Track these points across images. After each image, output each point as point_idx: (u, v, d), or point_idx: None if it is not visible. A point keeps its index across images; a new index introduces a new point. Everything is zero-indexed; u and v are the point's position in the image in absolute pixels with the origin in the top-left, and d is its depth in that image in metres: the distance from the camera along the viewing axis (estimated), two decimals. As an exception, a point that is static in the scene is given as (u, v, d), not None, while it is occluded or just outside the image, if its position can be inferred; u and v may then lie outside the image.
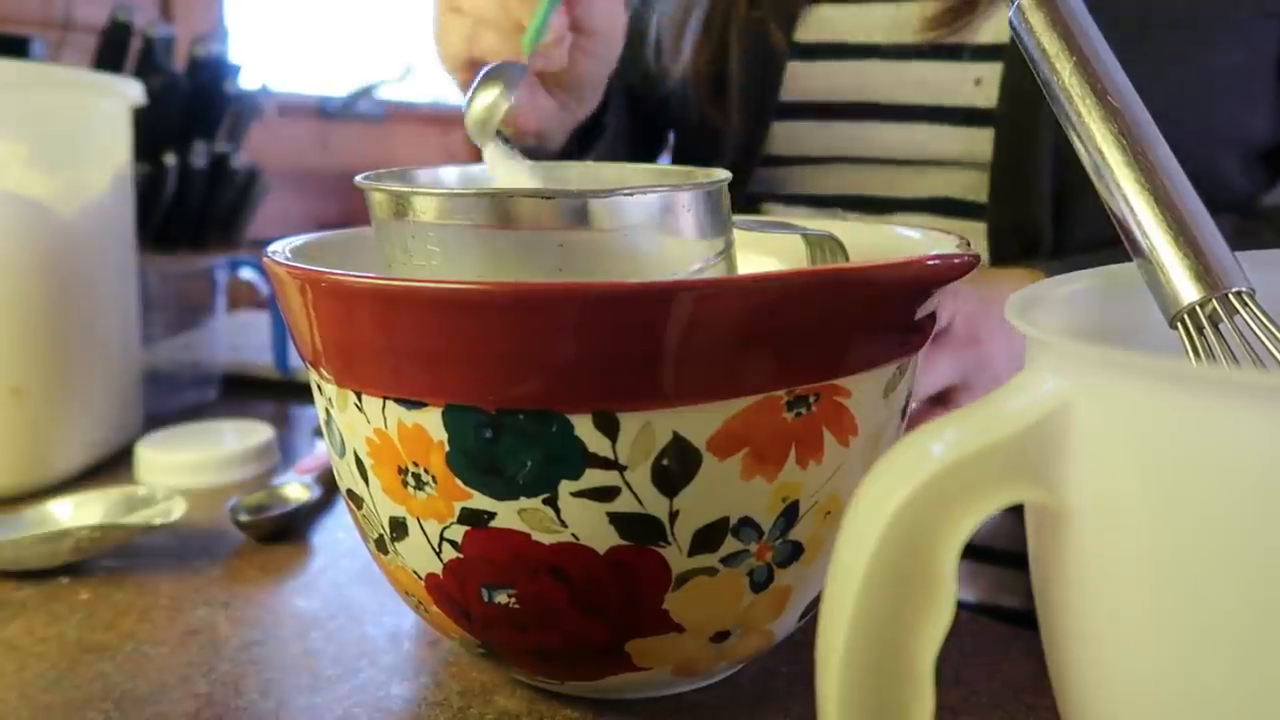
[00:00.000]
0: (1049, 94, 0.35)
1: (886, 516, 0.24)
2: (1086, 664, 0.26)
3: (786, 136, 0.73)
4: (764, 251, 0.53)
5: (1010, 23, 0.36)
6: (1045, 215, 0.64)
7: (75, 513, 0.61)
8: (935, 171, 0.68)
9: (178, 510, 0.60)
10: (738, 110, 0.73)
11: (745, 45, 0.72)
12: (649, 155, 0.87)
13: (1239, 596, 0.21)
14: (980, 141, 0.65)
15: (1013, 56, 0.63)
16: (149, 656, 0.49)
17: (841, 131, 0.70)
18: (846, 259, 0.49)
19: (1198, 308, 0.31)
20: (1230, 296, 0.31)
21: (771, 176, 0.75)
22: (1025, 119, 0.63)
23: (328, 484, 0.69)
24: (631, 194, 0.39)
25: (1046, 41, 0.35)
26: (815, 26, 0.71)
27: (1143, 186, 0.32)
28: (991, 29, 0.65)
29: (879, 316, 0.37)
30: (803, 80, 0.71)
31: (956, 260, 0.38)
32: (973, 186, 0.67)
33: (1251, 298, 0.31)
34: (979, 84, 0.65)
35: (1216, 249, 0.31)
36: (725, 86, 0.74)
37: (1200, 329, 0.31)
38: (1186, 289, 0.31)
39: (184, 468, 0.73)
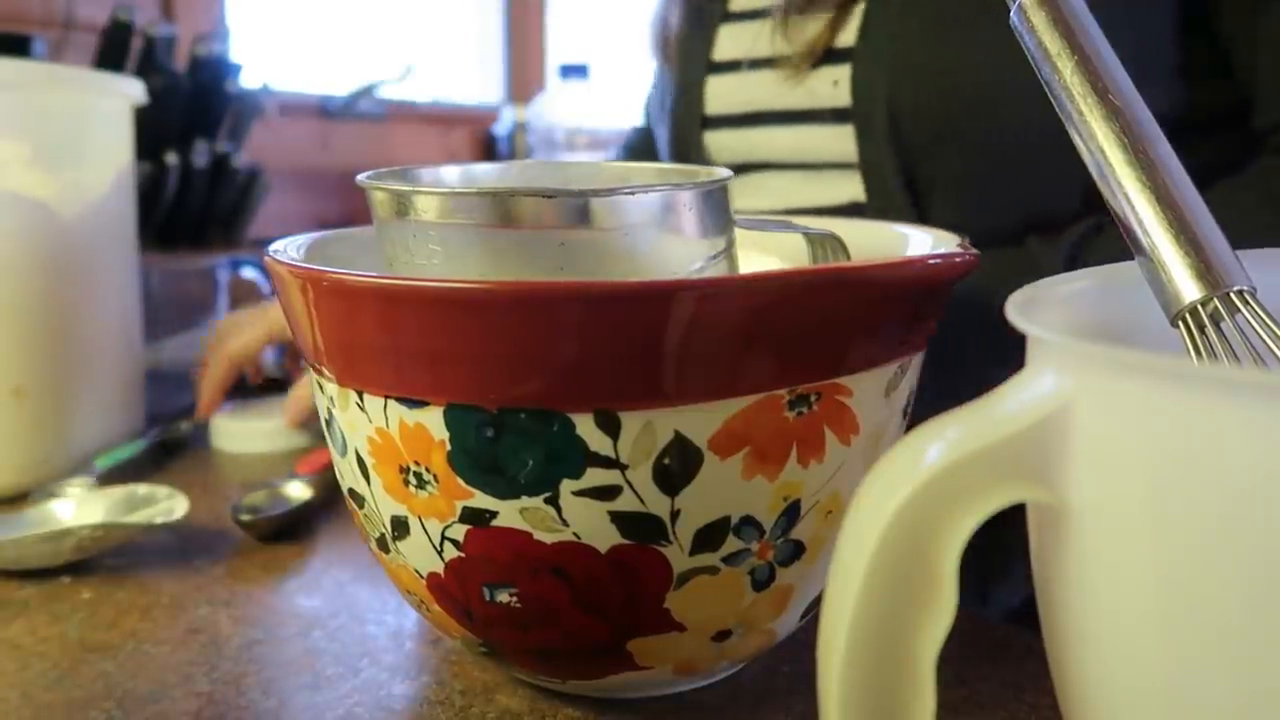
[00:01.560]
0: (1050, 93, 0.35)
1: (888, 516, 0.24)
2: (1088, 663, 0.26)
3: (716, 147, 0.77)
4: (765, 250, 0.53)
5: (1011, 22, 0.36)
6: (903, 205, 0.66)
7: (77, 512, 0.61)
8: (837, 177, 0.71)
9: (180, 509, 0.60)
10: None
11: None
12: None
13: (1241, 596, 0.21)
14: (845, 139, 0.68)
15: (860, 56, 0.66)
16: (151, 655, 0.49)
17: (754, 139, 0.74)
18: (848, 258, 0.49)
19: (1199, 306, 0.31)
20: (1231, 295, 0.31)
21: None
22: (871, 112, 0.66)
23: (328, 483, 0.69)
24: (633, 193, 0.39)
25: (1048, 40, 0.35)
26: (726, 45, 0.76)
27: (1144, 185, 0.32)
28: (847, 35, 0.68)
29: (880, 315, 0.37)
30: (720, 93, 0.76)
31: (957, 259, 0.38)
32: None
33: (1253, 296, 0.31)
34: (836, 85, 0.68)
35: (1217, 247, 0.31)
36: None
37: (1202, 328, 0.31)
38: (1188, 287, 0.31)
39: (260, 434, 0.82)
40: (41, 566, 0.57)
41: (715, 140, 0.76)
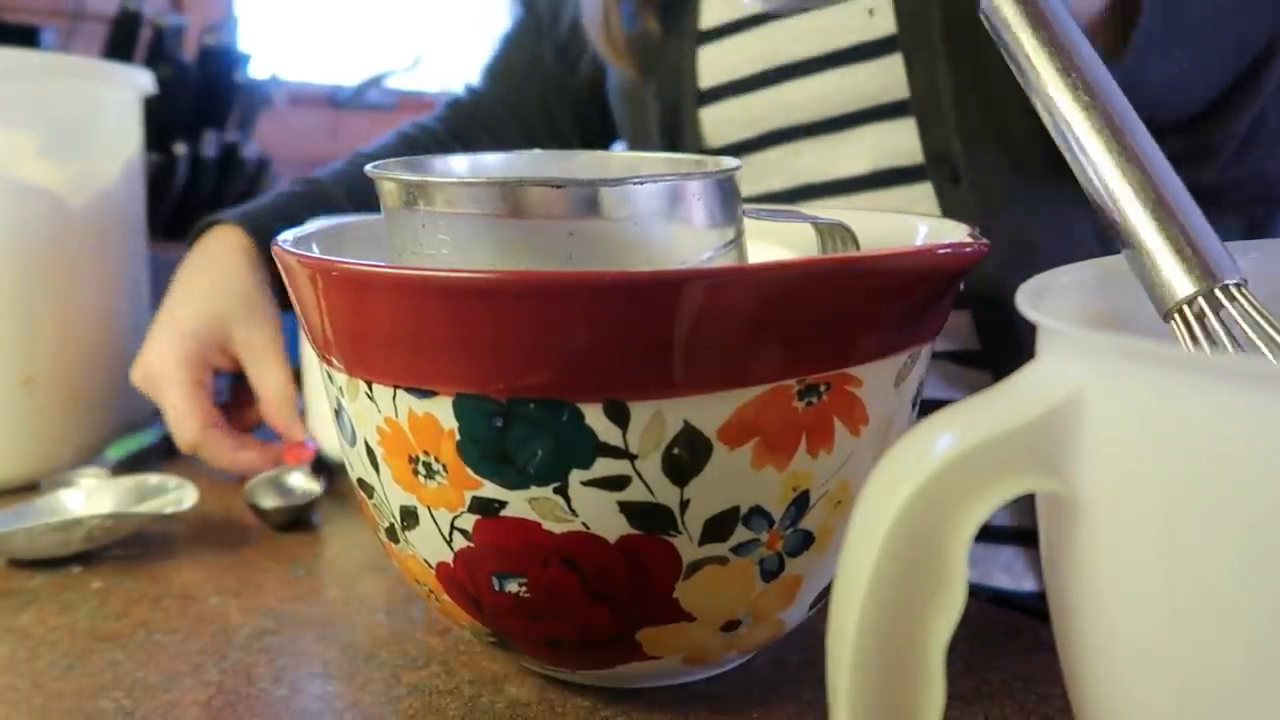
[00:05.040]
0: (1025, 86, 0.35)
1: (897, 506, 0.24)
2: (1098, 653, 0.26)
3: (713, 123, 0.73)
4: (774, 240, 0.53)
5: (981, 14, 0.36)
6: (954, 139, 0.63)
7: (88, 502, 0.62)
8: (866, 135, 0.67)
9: (189, 499, 0.61)
10: (655, 92, 0.75)
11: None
12: None
13: (1252, 586, 0.21)
14: (888, 74, 0.65)
15: None
16: (161, 645, 0.49)
17: (763, 102, 0.70)
18: (857, 248, 0.49)
19: (1194, 301, 0.31)
20: (1226, 288, 0.31)
21: None
22: (923, 39, 0.63)
23: (322, 471, 0.70)
24: (642, 182, 0.38)
25: (1020, 34, 0.34)
26: (715, 11, 0.72)
27: (1127, 180, 0.32)
28: None
29: (890, 305, 0.37)
30: (717, 62, 0.72)
31: (967, 249, 0.37)
32: (904, 149, 0.66)
33: (1244, 289, 0.31)
34: (872, 14, 0.65)
35: (1206, 240, 0.31)
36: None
37: (1200, 318, 0.31)
38: (1180, 283, 0.31)
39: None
40: (52, 556, 0.58)
41: (714, 115, 0.73)
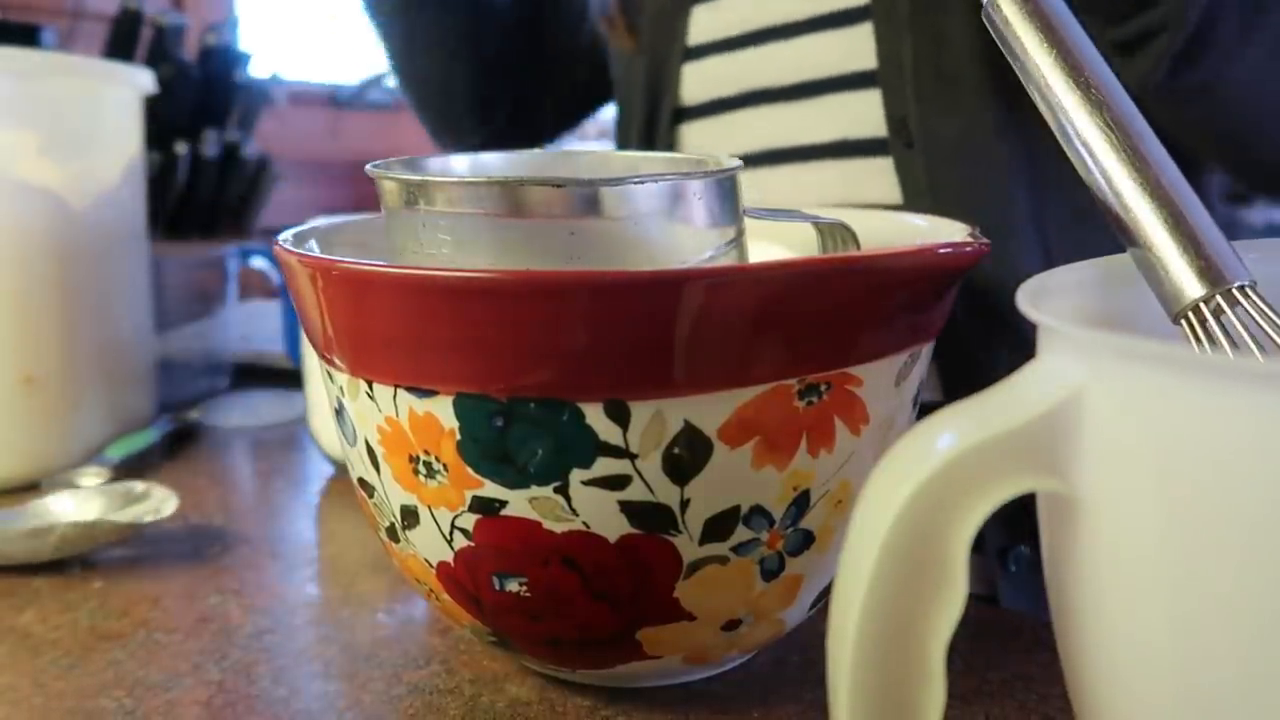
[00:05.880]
0: (1027, 84, 0.34)
1: (898, 505, 0.24)
2: (1099, 653, 0.26)
3: (698, 79, 0.74)
4: (775, 240, 0.53)
5: (985, 15, 0.35)
6: (910, 106, 0.64)
7: (77, 507, 0.61)
8: (834, 103, 0.68)
9: (169, 507, 0.60)
10: (646, 44, 0.77)
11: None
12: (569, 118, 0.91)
13: (1252, 586, 0.21)
14: (860, 41, 0.66)
15: None
16: (162, 644, 0.49)
17: (747, 62, 0.72)
18: (858, 247, 0.49)
19: (1201, 304, 0.31)
20: (1233, 291, 0.30)
21: (685, 136, 0.77)
22: (890, 6, 0.64)
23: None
24: (642, 182, 0.38)
25: (1022, 33, 0.34)
26: None
27: (1135, 181, 0.32)
28: None
29: (891, 305, 0.37)
30: (708, 18, 0.74)
31: (967, 249, 0.37)
32: (871, 120, 0.67)
33: (1253, 290, 0.31)
34: None
35: (1215, 242, 0.31)
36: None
37: (1204, 322, 0.31)
38: (1190, 285, 0.31)
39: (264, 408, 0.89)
40: (26, 562, 0.57)
41: (696, 71, 0.74)
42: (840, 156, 0.68)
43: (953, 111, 0.64)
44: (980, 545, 0.68)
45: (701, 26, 0.74)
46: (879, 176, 0.67)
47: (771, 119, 0.71)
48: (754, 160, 0.72)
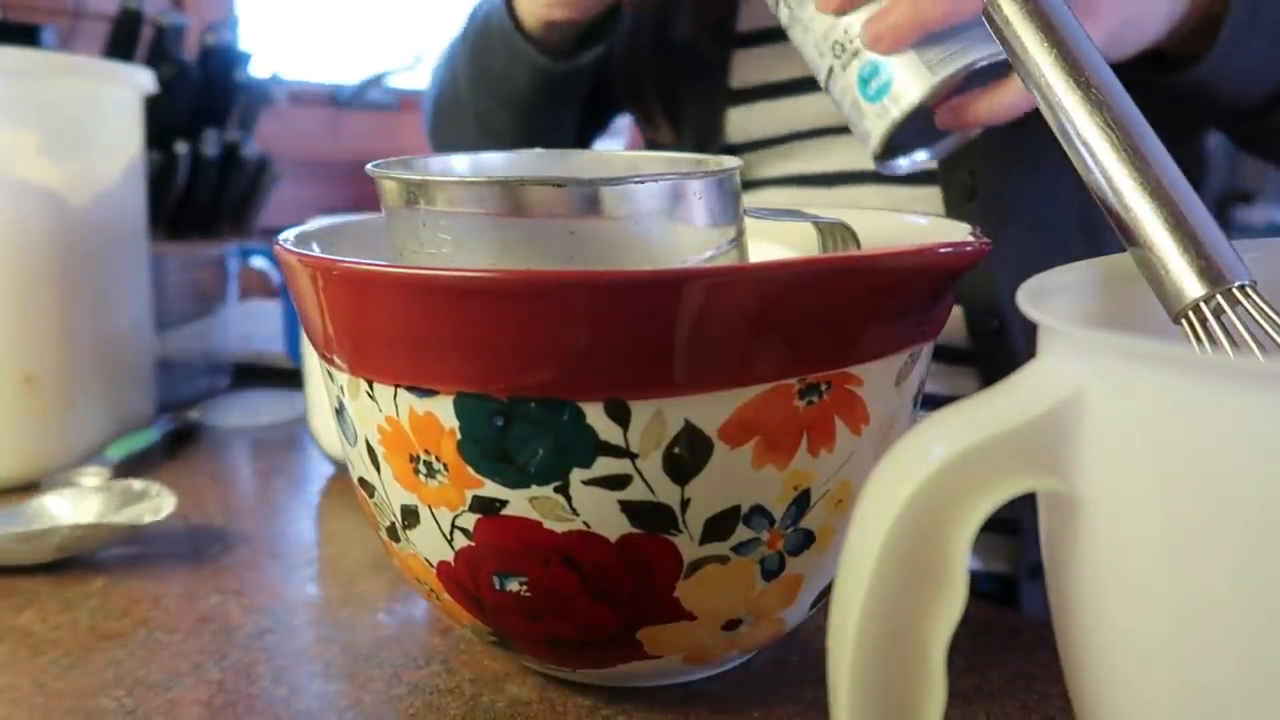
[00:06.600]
0: (1028, 84, 0.34)
1: (898, 505, 0.24)
2: (1099, 652, 0.26)
3: (743, 123, 0.75)
4: (775, 240, 0.53)
5: (984, 14, 0.35)
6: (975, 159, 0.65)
7: (77, 507, 0.61)
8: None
9: (166, 507, 0.60)
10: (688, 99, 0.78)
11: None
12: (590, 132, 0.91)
13: (1252, 585, 0.21)
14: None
15: None
16: (162, 644, 0.49)
17: (791, 108, 0.73)
18: (858, 247, 0.49)
19: (1202, 304, 0.31)
20: (1234, 291, 0.30)
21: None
22: None
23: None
24: (643, 182, 0.38)
25: (1023, 33, 0.34)
26: (752, 16, 0.75)
27: (1135, 180, 0.32)
28: None
29: (891, 305, 0.37)
30: (751, 66, 0.75)
31: (968, 249, 0.37)
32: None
33: (1254, 289, 0.31)
34: None
35: (1215, 242, 0.31)
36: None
37: (1204, 322, 0.31)
38: (1190, 284, 0.31)
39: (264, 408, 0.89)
40: (25, 564, 0.57)
41: (743, 115, 0.76)
42: (885, 183, 0.70)
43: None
44: (1017, 527, 0.68)
45: (737, 127, 0.76)
46: (922, 204, 0.69)
47: (821, 148, 0.73)
48: (797, 182, 0.74)
